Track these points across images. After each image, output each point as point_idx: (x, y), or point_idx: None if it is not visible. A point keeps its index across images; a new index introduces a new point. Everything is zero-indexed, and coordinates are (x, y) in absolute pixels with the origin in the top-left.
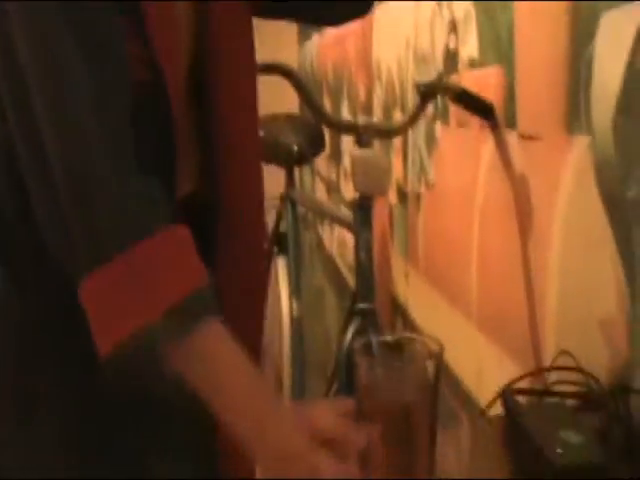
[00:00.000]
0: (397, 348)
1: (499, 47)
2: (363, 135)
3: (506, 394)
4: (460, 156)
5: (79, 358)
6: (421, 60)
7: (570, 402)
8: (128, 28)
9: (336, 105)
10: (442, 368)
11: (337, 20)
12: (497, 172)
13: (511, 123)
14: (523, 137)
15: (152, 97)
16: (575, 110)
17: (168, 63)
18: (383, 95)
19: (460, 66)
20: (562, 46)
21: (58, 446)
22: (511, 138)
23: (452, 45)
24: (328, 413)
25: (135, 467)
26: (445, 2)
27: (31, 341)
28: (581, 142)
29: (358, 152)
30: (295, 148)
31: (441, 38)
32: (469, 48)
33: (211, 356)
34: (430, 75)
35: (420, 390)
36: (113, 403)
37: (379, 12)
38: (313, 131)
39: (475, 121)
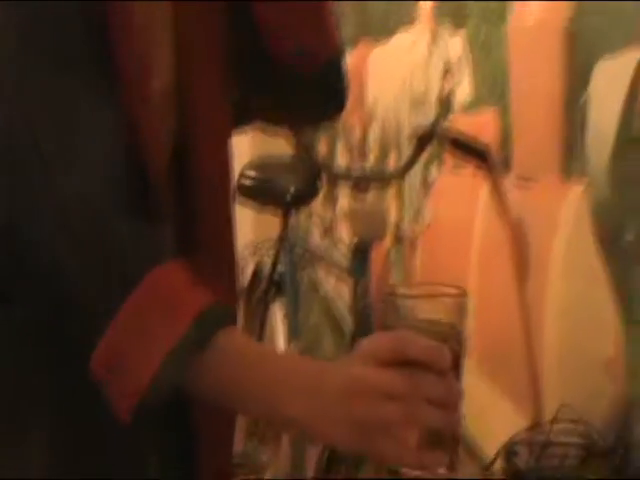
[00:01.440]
0: None
1: (494, 89)
2: (360, 183)
3: (508, 452)
4: (456, 198)
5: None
6: (417, 102)
7: (572, 452)
8: None
9: (332, 144)
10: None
11: (311, 122)
12: (494, 214)
13: (507, 165)
14: (519, 179)
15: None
16: (571, 153)
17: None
18: (379, 135)
19: (456, 107)
20: (557, 90)
21: (50, 449)
22: (507, 180)
23: (447, 86)
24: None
25: (132, 469)
26: (441, 44)
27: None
28: (577, 185)
29: (355, 199)
30: (292, 190)
31: (436, 79)
32: (464, 90)
33: (239, 358)
34: (426, 120)
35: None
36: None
37: (374, 52)
38: (310, 172)
39: (471, 163)
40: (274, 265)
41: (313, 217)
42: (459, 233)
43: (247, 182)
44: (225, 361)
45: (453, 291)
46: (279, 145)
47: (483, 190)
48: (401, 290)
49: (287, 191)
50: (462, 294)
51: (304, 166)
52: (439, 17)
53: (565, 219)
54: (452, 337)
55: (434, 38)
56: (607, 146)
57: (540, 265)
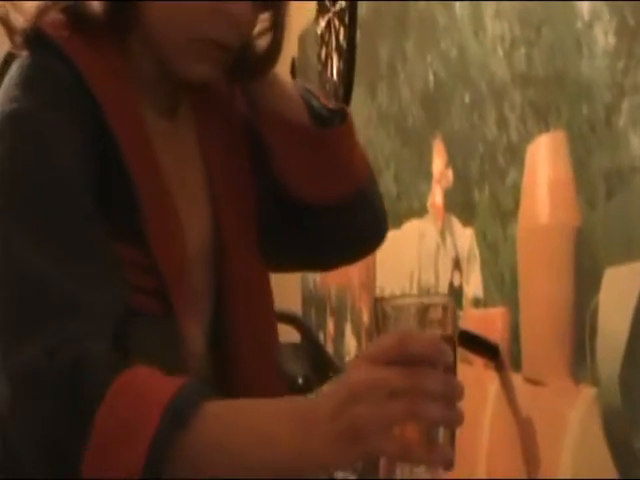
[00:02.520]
0: None
1: (503, 288)
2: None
3: None
4: (467, 389)
5: None
6: (425, 296)
7: None
8: (127, 240)
9: (339, 327)
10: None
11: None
12: (502, 412)
13: (516, 365)
14: (528, 381)
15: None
16: (580, 358)
17: (170, 272)
18: None
19: (465, 304)
20: (566, 292)
21: None
22: (516, 380)
23: (456, 282)
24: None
25: None
26: (449, 239)
27: None
28: (587, 390)
29: None
30: (300, 380)
31: (445, 274)
32: (473, 287)
33: (218, 439)
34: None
35: None
36: None
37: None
38: (319, 359)
39: (480, 359)
40: None
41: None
42: (466, 429)
43: None
44: (208, 434)
45: (441, 297)
46: (286, 331)
47: (492, 386)
48: (391, 297)
49: (296, 380)
50: (449, 300)
51: (313, 353)
52: (449, 210)
53: (575, 422)
54: (445, 341)
55: (444, 231)
56: (618, 354)
57: (549, 467)
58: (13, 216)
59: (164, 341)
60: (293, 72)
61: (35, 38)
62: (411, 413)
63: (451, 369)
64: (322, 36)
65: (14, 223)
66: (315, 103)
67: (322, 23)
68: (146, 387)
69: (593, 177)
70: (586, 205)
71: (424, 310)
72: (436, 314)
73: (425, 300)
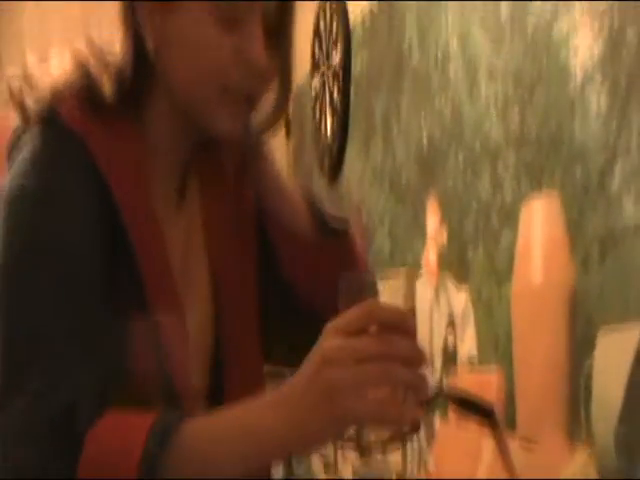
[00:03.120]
0: None
1: (498, 347)
2: (365, 449)
3: None
4: (459, 451)
5: None
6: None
7: None
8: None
9: None
10: None
11: None
12: (497, 471)
13: (511, 425)
14: (523, 440)
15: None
16: (575, 417)
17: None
18: None
19: (459, 363)
20: (561, 352)
21: None
22: (511, 439)
23: (451, 340)
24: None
25: None
26: (443, 297)
27: None
28: (582, 449)
29: (360, 463)
30: None
31: (439, 332)
32: (468, 345)
33: (205, 445)
34: (429, 380)
35: None
36: None
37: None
38: None
39: (475, 418)
40: None
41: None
42: None
43: None
44: (195, 443)
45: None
46: None
47: (486, 444)
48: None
49: None
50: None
51: None
52: (443, 268)
53: None
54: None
55: (438, 289)
56: (613, 413)
57: None
58: (15, 285)
59: None
60: (287, 129)
61: (47, 116)
62: (383, 375)
63: (414, 337)
64: (316, 93)
65: (16, 292)
66: (319, 210)
67: (316, 80)
68: (127, 419)
69: (587, 238)
70: (580, 266)
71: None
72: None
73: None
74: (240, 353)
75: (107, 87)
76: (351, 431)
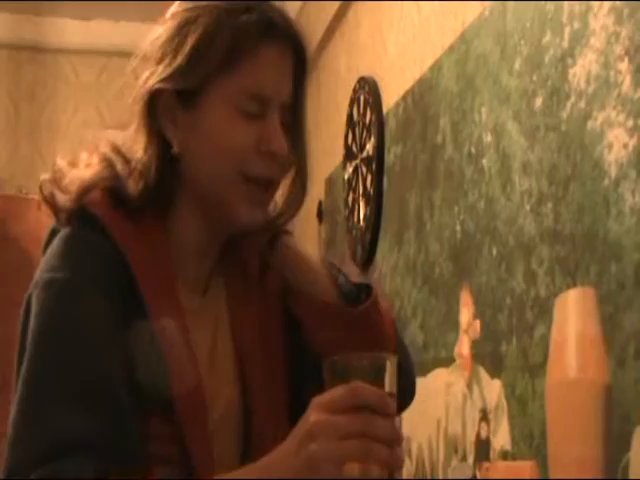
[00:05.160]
0: None
1: (532, 442)
2: None
3: None
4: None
5: None
6: (452, 445)
7: None
8: (154, 413)
9: None
10: None
11: None
12: None
13: None
14: None
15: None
16: None
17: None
18: (413, 472)
19: (492, 456)
20: (596, 450)
21: None
22: None
23: (484, 434)
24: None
25: None
26: (477, 390)
27: None
28: None
29: None
30: None
31: (472, 425)
32: (501, 439)
33: None
34: (464, 473)
35: None
36: None
37: None
38: None
39: None
40: None
41: None
42: None
43: None
44: None
45: (383, 357)
46: None
47: None
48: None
49: None
50: (391, 358)
51: None
52: (477, 360)
53: None
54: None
55: (471, 381)
56: None
57: None
58: (41, 374)
59: None
60: (319, 215)
61: (77, 212)
62: (362, 451)
63: (393, 419)
64: (349, 181)
65: (42, 377)
66: (342, 279)
67: (349, 168)
68: None
69: (623, 334)
70: (615, 363)
71: (371, 368)
72: (375, 369)
73: (369, 360)
74: (268, 426)
75: (133, 187)
76: None
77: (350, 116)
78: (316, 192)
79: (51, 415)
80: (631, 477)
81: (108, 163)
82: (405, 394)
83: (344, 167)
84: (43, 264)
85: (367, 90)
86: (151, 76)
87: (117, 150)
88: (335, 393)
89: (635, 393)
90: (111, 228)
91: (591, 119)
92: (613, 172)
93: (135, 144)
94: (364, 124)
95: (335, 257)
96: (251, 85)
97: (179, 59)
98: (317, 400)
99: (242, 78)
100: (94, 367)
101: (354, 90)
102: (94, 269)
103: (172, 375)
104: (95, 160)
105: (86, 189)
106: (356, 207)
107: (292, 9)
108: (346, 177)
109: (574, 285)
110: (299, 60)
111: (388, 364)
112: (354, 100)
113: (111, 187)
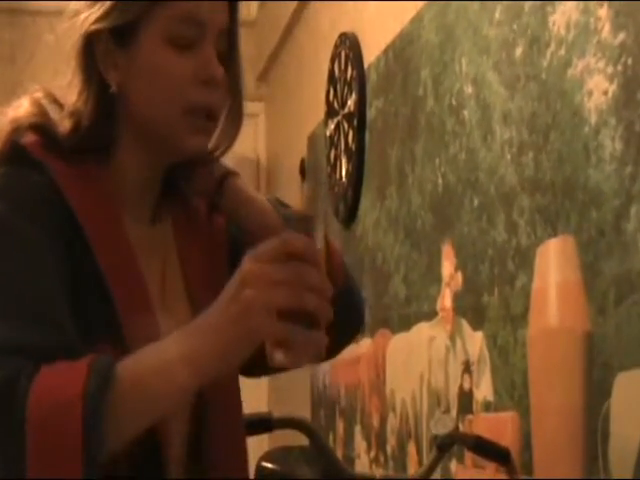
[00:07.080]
0: None
1: (514, 392)
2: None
3: None
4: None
5: None
6: (436, 398)
7: None
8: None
9: (349, 429)
10: None
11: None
12: None
13: (528, 469)
14: None
15: None
16: (592, 462)
17: None
18: (397, 426)
19: (475, 408)
20: (577, 397)
21: None
22: None
23: (466, 386)
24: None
25: None
26: (459, 342)
27: None
28: None
29: None
30: None
31: (455, 377)
32: (483, 390)
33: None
34: (446, 426)
35: None
36: None
37: (393, 340)
38: (329, 461)
39: (491, 464)
40: None
41: None
42: None
43: (265, 473)
44: (126, 383)
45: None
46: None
47: None
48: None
49: None
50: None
51: (323, 455)
52: (459, 313)
53: None
54: None
55: (454, 334)
56: (630, 458)
57: None
58: None
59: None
60: (302, 172)
61: (13, 152)
62: (292, 299)
63: (322, 269)
64: (331, 138)
65: None
66: (288, 213)
67: (331, 125)
68: (66, 363)
69: (603, 282)
70: (596, 310)
71: (301, 222)
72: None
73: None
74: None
75: (65, 127)
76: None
77: (331, 72)
78: (299, 149)
79: None
80: (612, 423)
81: (38, 104)
82: (352, 324)
83: (326, 124)
84: None
85: (348, 46)
86: (85, 20)
87: (50, 95)
88: (267, 244)
89: (616, 340)
90: (47, 165)
91: (571, 67)
92: (593, 119)
93: (70, 88)
94: (345, 80)
95: (318, 213)
96: (185, 10)
97: None
98: (251, 252)
99: (176, 6)
100: (33, 288)
101: (335, 46)
102: (32, 204)
103: (118, 298)
104: (26, 103)
105: (14, 127)
106: (338, 163)
107: None
108: (328, 134)
109: (555, 234)
110: None
111: (319, 224)
112: (335, 56)
113: (42, 126)
